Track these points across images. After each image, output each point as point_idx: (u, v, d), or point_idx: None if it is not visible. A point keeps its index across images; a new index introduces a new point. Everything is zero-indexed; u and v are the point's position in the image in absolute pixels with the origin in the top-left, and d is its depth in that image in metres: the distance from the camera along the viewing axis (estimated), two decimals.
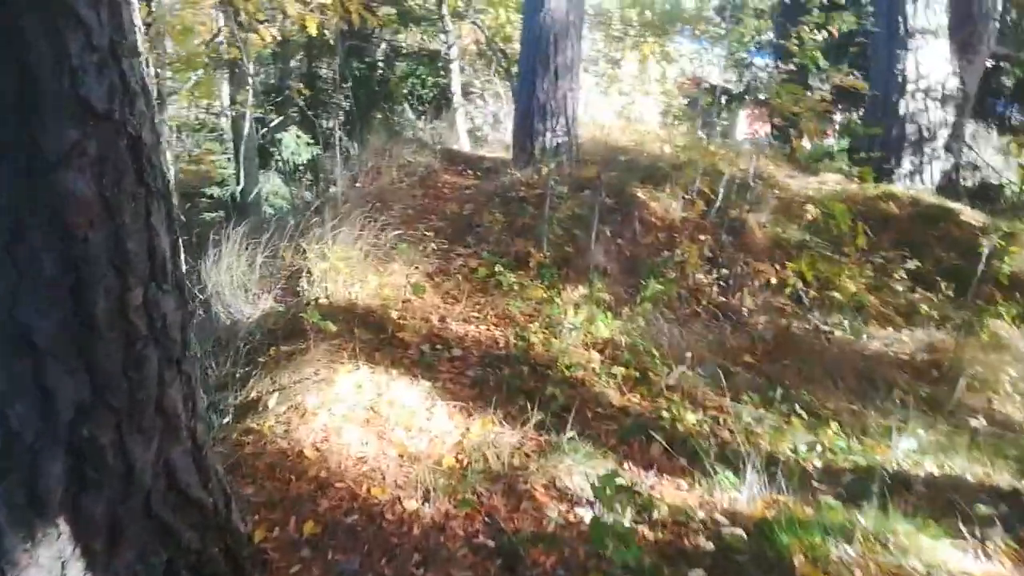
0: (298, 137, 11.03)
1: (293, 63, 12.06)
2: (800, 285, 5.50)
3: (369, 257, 4.50)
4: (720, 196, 6.03)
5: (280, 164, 11.28)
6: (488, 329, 3.93)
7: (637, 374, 3.72)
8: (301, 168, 11.30)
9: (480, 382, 3.33)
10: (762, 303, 5.46)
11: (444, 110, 12.16)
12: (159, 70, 7.87)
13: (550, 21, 6.28)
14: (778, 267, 5.86)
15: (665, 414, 3.37)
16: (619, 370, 3.70)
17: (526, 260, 4.71)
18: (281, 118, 11.29)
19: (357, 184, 6.27)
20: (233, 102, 9.91)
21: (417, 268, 4.52)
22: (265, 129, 11.18)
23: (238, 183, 9.89)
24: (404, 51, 12.90)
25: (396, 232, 5.10)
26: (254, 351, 3.52)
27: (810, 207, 6.16)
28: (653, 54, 14.49)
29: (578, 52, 6.51)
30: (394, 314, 3.81)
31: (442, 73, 12.22)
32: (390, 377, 3.14)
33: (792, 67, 6.97)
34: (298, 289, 4.27)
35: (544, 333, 3.91)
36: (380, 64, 11.77)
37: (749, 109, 14.98)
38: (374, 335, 3.60)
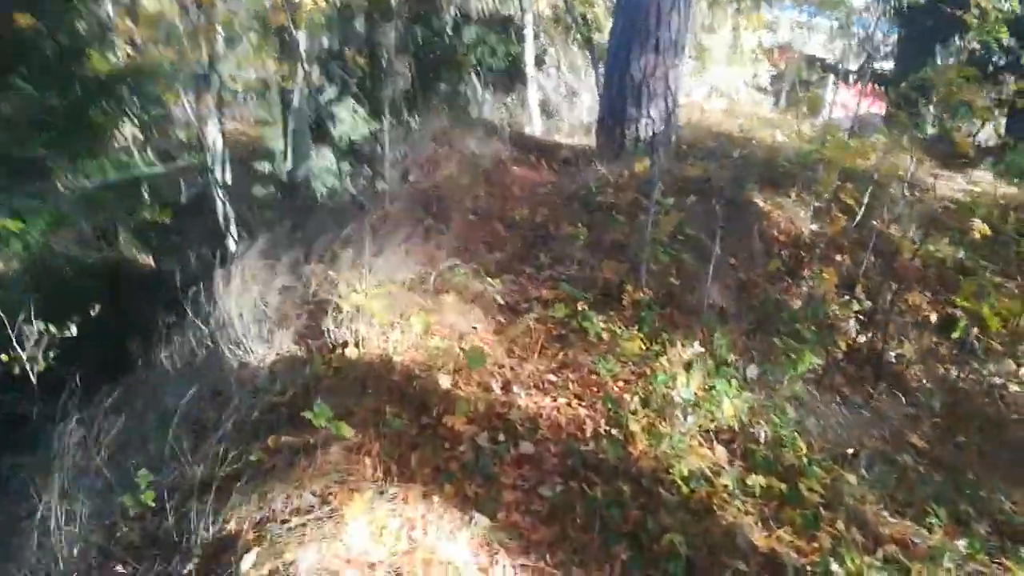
0: (355, 111, 10.11)
1: (352, 29, 11.07)
2: (969, 325, 4.24)
3: (415, 287, 3.48)
4: (864, 204, 4.74)
5: (334, 140, 10.37)
6: (570, 405, 2.86)
7: (783, 486, 2.59)
8: (357, 144, 10.37)
9: (560, 511, 2.26)
10: (919, 350, 4.21)
11: (515, 83, 10.98)
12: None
13: None
14: (937, 299, 4.59)
15: (836, 568, 2.24)
16: (757, 480, 2.57)
17: (618, 295, 3.59)
18: (337, 90, 10.37)
19: (410, 177, 5.25)
20: (283, 75, 9.05)
21: (475, 303, 3.46)
22: (319, 101, 10.30)
23: (285, 159, 9.07)
24: (473, 16, 11.72)
25: (451, 245, 4.07)
26: (251, 432, 2.56)
27: (977, 222, 4.79)
28: (749, 23, 12.89)
29: (686, 22, 5.25)
30: (442, 380, 2.77)
31: (514, 41, 11.02)
32: (428, 508, 2.11)
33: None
34: (323, 328, 3.29)
35: (648, 415, 2.81)
36: (447, 31, 10.65)
37: (853, 85, 13.20)
38: (412, 419, 2.58)
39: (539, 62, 11.05)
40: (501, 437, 2.58)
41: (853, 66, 11.36)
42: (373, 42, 10.57)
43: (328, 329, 3.24)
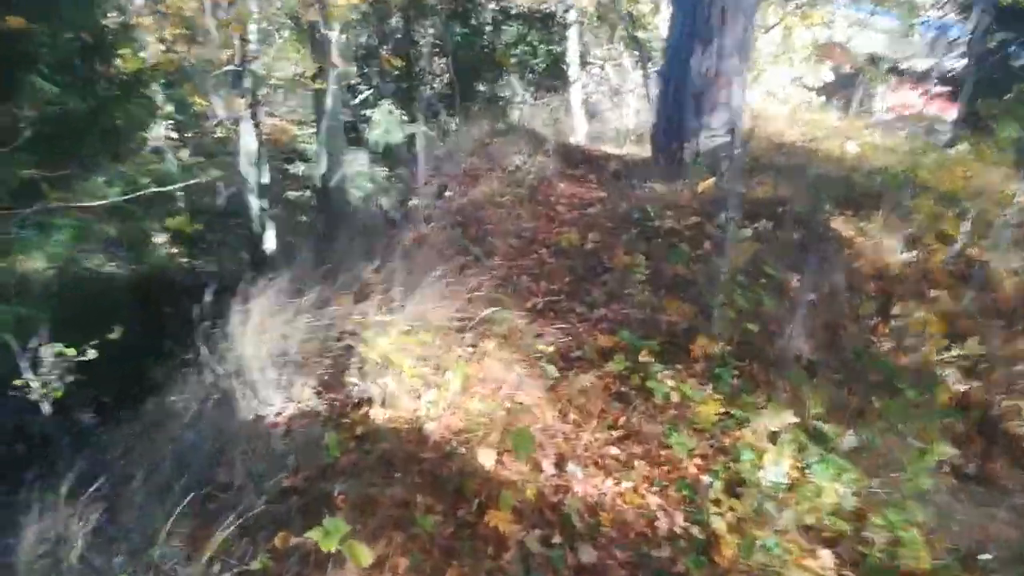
0: (390, 113, 9.72)
1: (388, 27, 10.68)
2: None
3: (451, 333, 3.03)
4: (962, 230, 4.15)
5: (369, 144, 10.02)
6: (637, 491, 2.37)
7: None
8: (395, 147, 9.98)
9: None
10: None
11: (557, 84, 10.47)
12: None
13: None
14: None
15: None
16: None
17: (686, 343, 3.09)
18: (372, 91, 10.00)
19: (447, 193, 4.82)
20: (315, 75, 8.69)
21: (520, 352, 3.00)
22: (355, 102, 9.96)
23: (319, 162, 8.73)
24: (514, 12, 11.23)
25: (492, 278, 3.62)
26: (256, 525, 2.14)
27: None
28: (804, 20, 12.18)
29: (752, 22, 4.71)
30: (484, 458, 2.32)
31: (556, 40, 10.51)
32: None
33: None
34: (346, 379, 2.87)
35: (733, 507, 2.31)
36: (486, 29, 10.19)
37: (918, 85, 12.39)
38: (447, 513, 2.13)
39: (583, 62, 10.53)
40: (556, 538, 2.11)
41: (921, 66, 10.59)
42: (409, 40, 10.17)
43: (352, 383, 2.82)
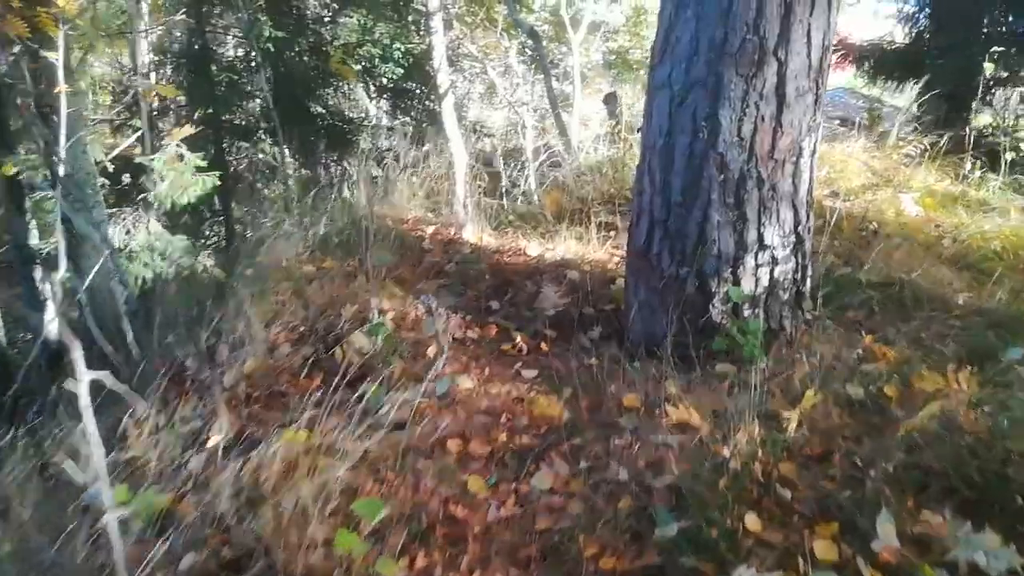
0: (180, 159, 6.60)
1: (174, 26, 7.39)
2: None
3: None
4: None
5: (158, 204, 6.83)
6: None
7: None
8: (191, 209, 6.86)
9: None
10: None
11: (421, 98, 7.69)
12: None
13: None
14: None
15: None
16: None
17: None
18: (151, 128, 6.79)
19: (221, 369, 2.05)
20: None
21: None
22: (123, 145, 6.72)
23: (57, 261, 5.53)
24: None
25: None
26: None
27: None
28: None
29: (831, 34, 2.22)
30: None
31: (417, 33, 7.70)
32: None
33: None
34: None
35: None
36: (310, 24, 7.18)
37: None
38: None
39: (452, 60, 7.80)
40: None
41: None
42: (204, 49, 7.00)
43: None
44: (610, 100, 7.10)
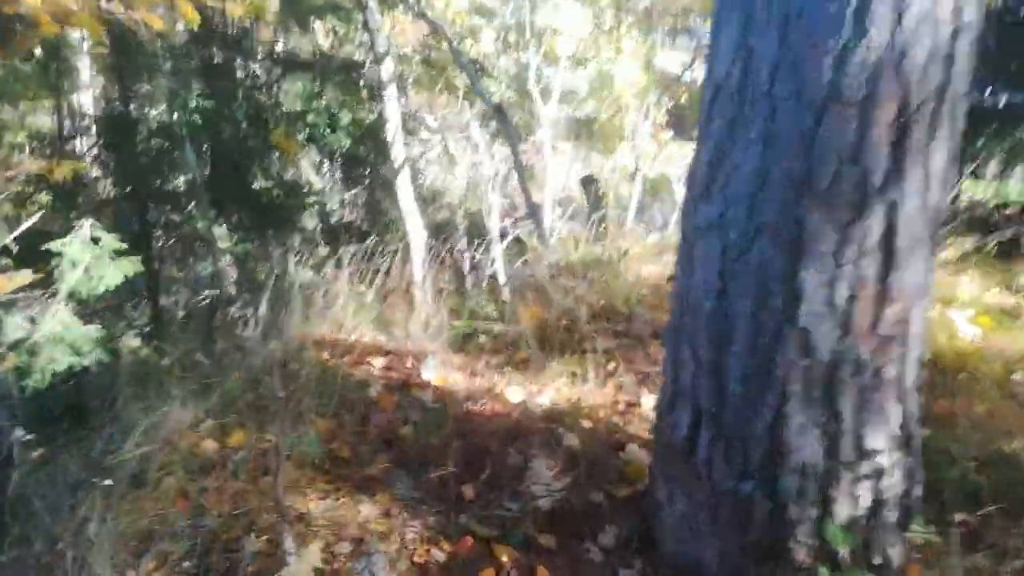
0: (95, 244, 5.72)
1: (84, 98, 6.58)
2: None
3: None
4: None
5: (70, 293, 5.88)
6: None
7: None
8: (109, 296, 5.94)
9: None
10: None
11: (374, 169, 7.00)
12: None
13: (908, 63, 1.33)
14: None
15: None
16: None
17: None
18: (65, 209, 5.90)
19: None
20: None
21: None
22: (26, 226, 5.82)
23: None
24: (299, 61, 7.56)
25: None
26: None
27: None
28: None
29: (954, 164, 1.57)
30: None
31: (368, 100, 7.04)
32: None
33: None
34: None
35: None
36: (250, 89, 6.45)
37: None
38: None
39: (409, 128, 7.14)
40: None
41: None
42: (125, 117, 6.18)
43: None
44: (588, 183, 6.56)
